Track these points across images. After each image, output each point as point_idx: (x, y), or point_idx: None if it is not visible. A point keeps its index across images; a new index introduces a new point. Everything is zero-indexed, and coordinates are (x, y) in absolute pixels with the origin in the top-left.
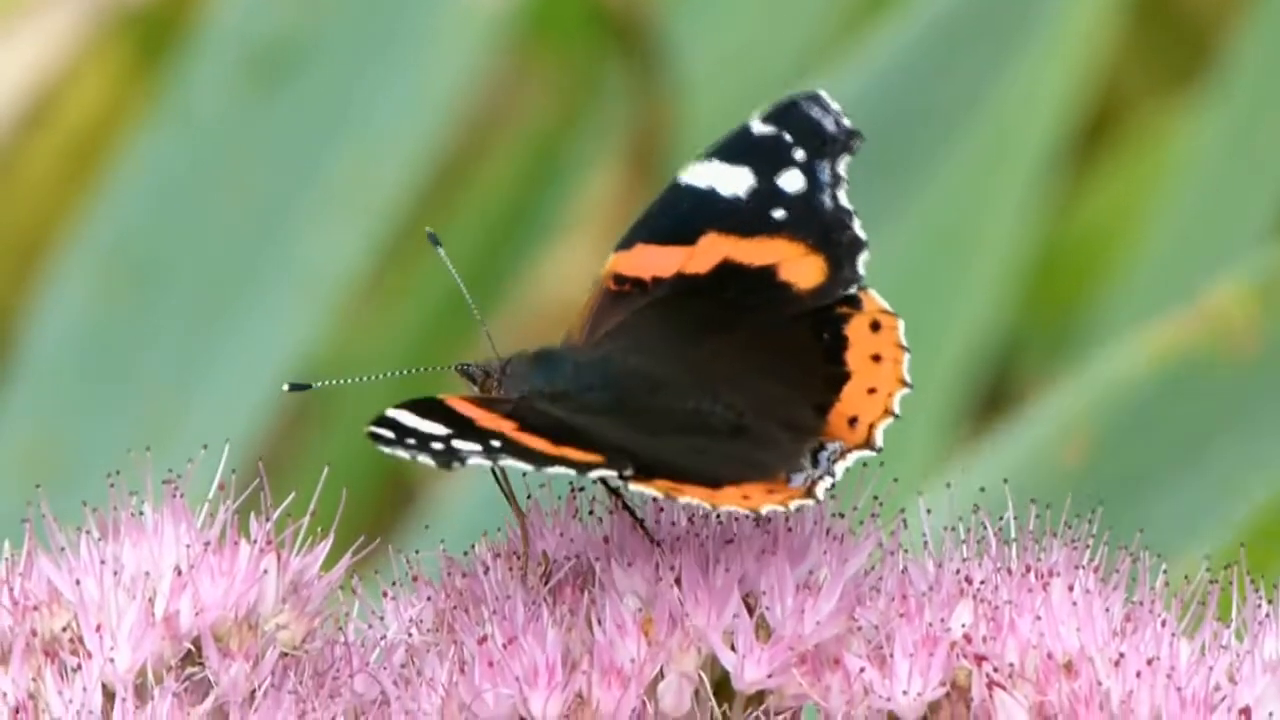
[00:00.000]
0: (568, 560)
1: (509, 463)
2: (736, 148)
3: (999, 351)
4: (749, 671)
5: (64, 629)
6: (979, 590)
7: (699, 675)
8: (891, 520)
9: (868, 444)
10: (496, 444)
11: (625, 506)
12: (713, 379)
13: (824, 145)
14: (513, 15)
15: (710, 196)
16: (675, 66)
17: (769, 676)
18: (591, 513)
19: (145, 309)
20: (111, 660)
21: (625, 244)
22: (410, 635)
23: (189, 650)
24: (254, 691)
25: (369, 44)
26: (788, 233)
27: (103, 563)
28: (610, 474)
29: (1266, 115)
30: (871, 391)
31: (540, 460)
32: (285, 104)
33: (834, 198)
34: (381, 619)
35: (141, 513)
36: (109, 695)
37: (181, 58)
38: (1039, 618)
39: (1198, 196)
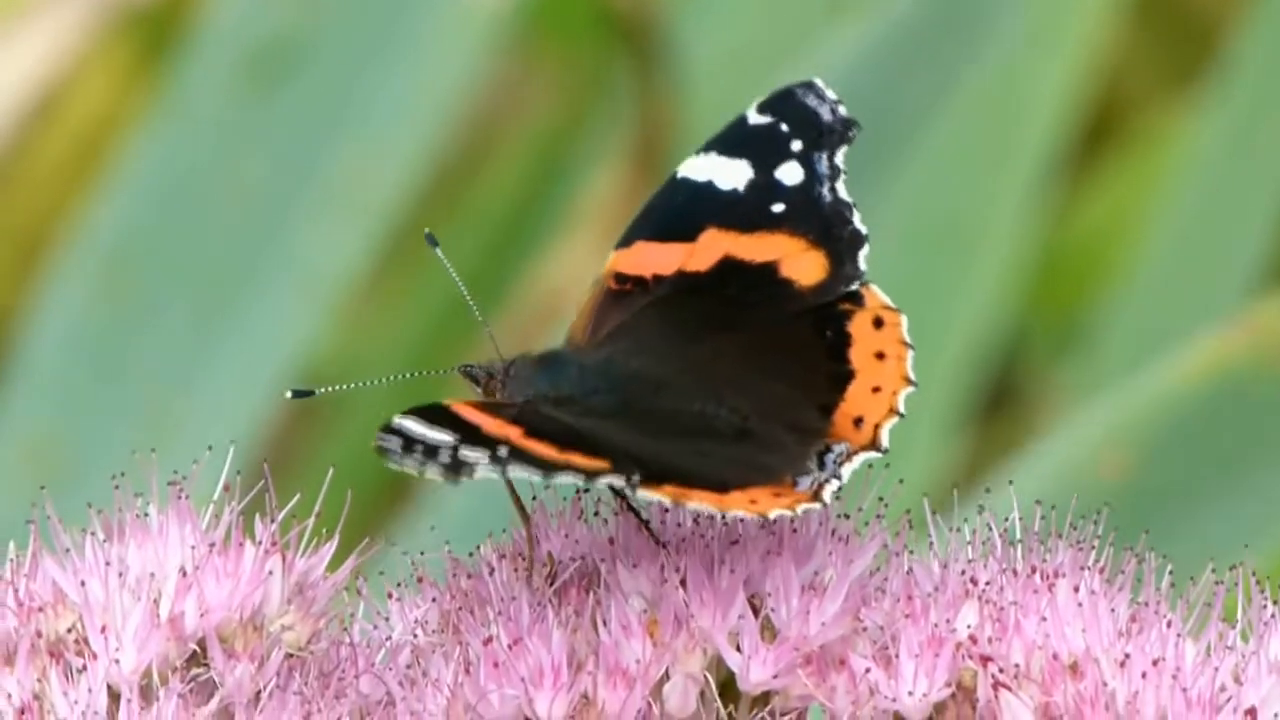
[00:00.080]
0: (573, 561)
1: (516, 472)
2: (734, 139)
3: (1002, 352)
4: (754, 672)
5: (69, 630)
6: (984, 591)
7: (704, 676)
8: (897, 522)
9: (873, 445)
10: (503, 452)
11: (630, 508)
12: (717, 380)
13: (821, 135)
14: (517, 15)
15: (709, 190)
16: (680, 66)
17: (774, 677)
18: (597, 514)
19: (146, 308)
20: (117, 661)
21: (625, 242)
22: (415, 636)
23: (194, 651)
24: (259, 692)
25: (368, 44)
26: (788, 227)
27: (108, 564)
28: (618, 480)
29: (1269, 116)
30: (876, 390)
31: (547, 468)
32: (284, 103)
33: (833, 191)
34: (387, 620)
35: (146, 514)
36: (114, 696)
37: (181, 57)
38: (1044, 619)
39: (1200, 197)
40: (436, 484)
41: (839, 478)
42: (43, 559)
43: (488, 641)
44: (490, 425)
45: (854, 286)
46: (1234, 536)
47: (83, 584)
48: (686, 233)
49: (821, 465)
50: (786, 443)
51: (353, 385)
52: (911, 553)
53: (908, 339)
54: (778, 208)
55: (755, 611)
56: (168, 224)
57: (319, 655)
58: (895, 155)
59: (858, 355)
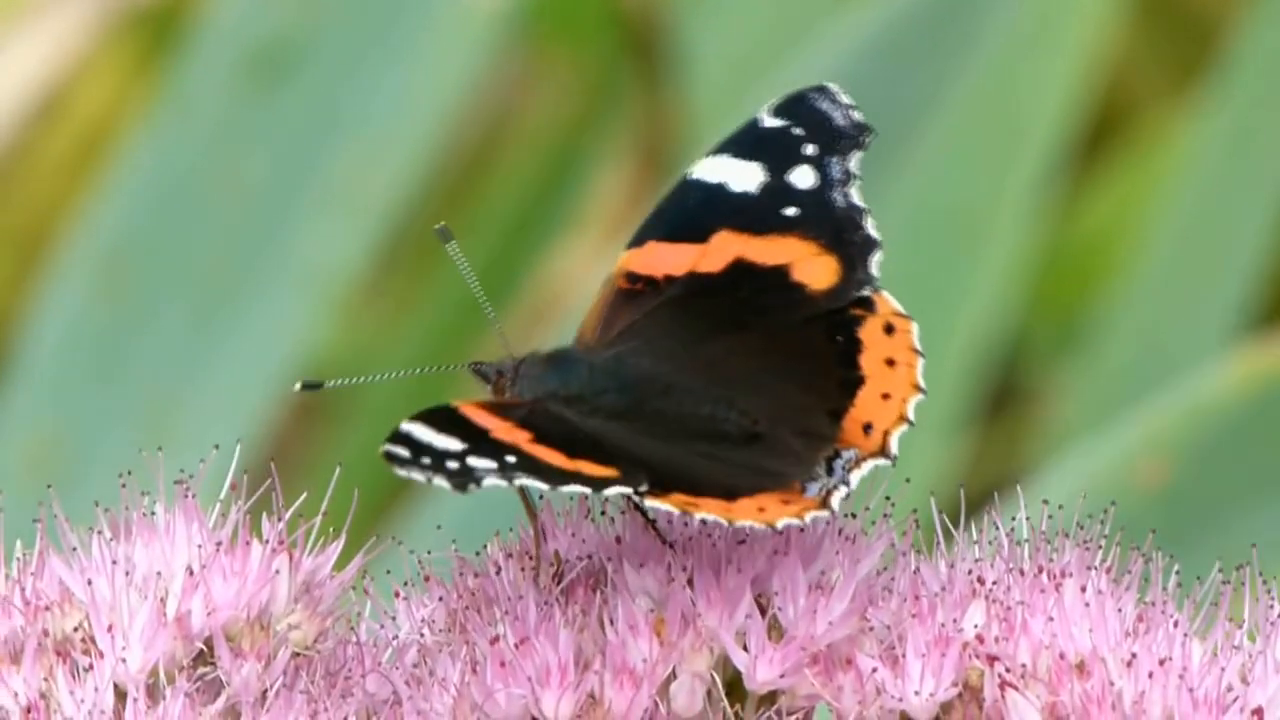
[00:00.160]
0: (580, 560)
1: (524, 481)
2: (746, 142)
3: (1006, 352)
4: (761, 671)
5: (76, 629)
6: (991, 591)
7: (711, 675)
8: (903, 521)
9: (882, 452)
10: (512, 460)
11: (637, 507)
12: (727, 383)
13: (834, 140)
14: (523, 16)
15: (721, 192)
16: (686, 67)
17: (781, 676)
18: (603, 513)
19: (146, 308)
20: (123, 660)
21: (637, 241)
22: (422, 635)
23: (201, 650)
24: (266, 691)
25: (368, 43)
26: (800, 231)
27: (114, 563)
28: (625, 490)
29: (1270, 115)
30: (886, 397)
31: (555, 477)
32: (284, 103)
33: (846, 195)
34: (394, 619)
35: (153, 513)
36: (121, 695)
37: (181, 57)
38: (1051, 618)
39: (1202, 197)
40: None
41: (847, 484)
42: (49, 558)
43: (494, 641)
44: (499, 429)
45: (865, 292)
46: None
47: (89, 583)
48: (698, 234)
49: (830, 471)
50: (795, 448)
51: (364, 379)
52: (919, 552)
53: (918, 346)
54: (790, 211)
55: (762, 611)
56: (168, 223)
57: (325, 654)
58: (896, 153)
59: (868, 361)
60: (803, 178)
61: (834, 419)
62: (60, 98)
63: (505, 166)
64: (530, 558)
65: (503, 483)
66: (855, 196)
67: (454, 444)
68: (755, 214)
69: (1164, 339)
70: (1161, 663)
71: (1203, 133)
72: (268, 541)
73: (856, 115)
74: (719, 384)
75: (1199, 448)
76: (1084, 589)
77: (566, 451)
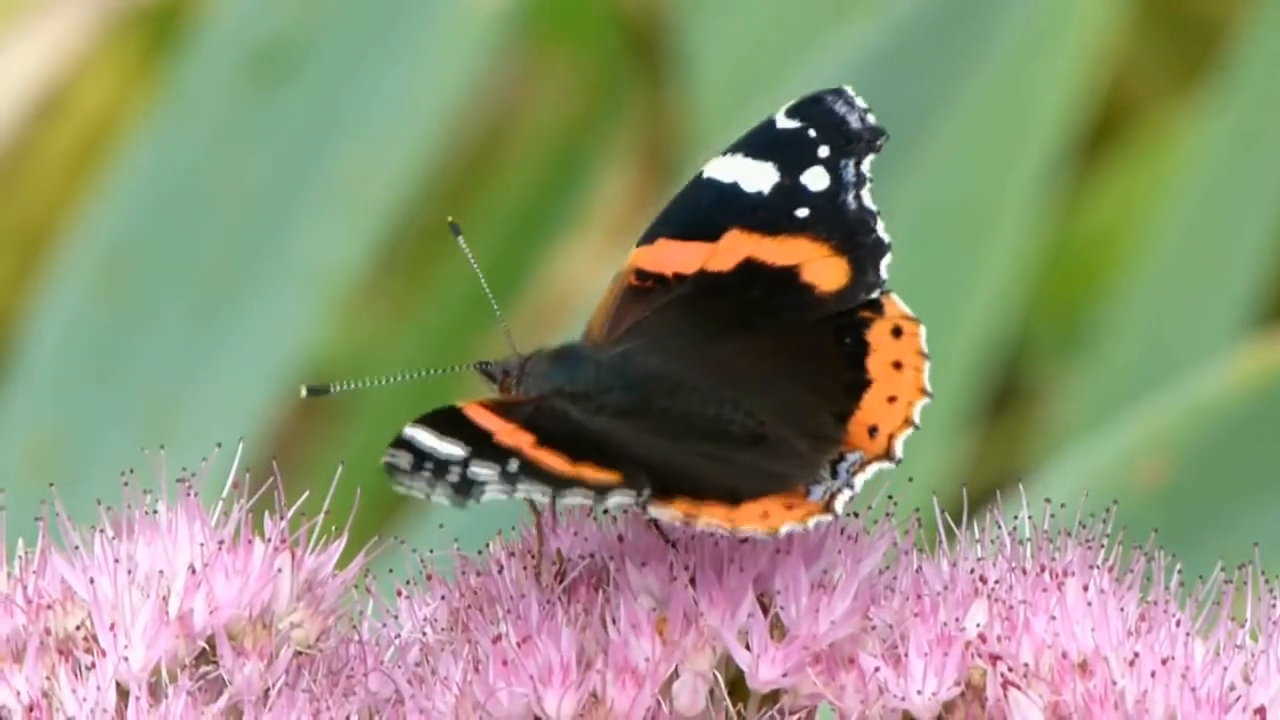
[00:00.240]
0: (582, 559)
1: (526, 489)
2: (761, 142)
3: (1008, 351)
4: (764, 671)
5: (78, 627)
6: (994, 590)
7: (714, 674)
8: (906, 520)
9: (887, 455)
10: (514, 467)
11: (640, 508)
12: (733, 383)
13: (849, 143)
14: (526, 16)
15: (734, 192)
16: (688, 68)
17: (784, 676)
18: (606, 511)
19: (146, 307)
20: (125, 659)
21: (648, 238)
22: (424, 634)
23: (203, 649)
24: (268, 690)
25: (369, 43)
26: (811, 233)
27: (116, 561)
28: (627, 497)
29: (1273, 114)
30: (892, 400)
31: (557, 484)
32: (285, 102)
33: (858, 198)
34: (396, 617)
35: (155, 511)
36: (123, 694)
37: (182, 56)
38: (1054, 617)
39: (1205, 196)
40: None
41: (851, 487)
42: (51, 556)
43: (497, 639)
44: (503, 432)
45: (874, 295)
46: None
47: (91, 581)
48: (710, 233)
49: (834, 474)
50: (800, 449)
51: (367, 382)
52: (921, 551)
53: (925, 350)
54: (802, 212)
55: (764, 610)
56: (169, 222)
57: (328, 653)
58: (904, 155)
59: (875, 364)
60: (816, 179)
61: (840, 421)
62: (61, 97)
63: (507, 167)
64: (532, 556)
65: (504, 495)
66: (868, 199)
67: (457, 450)
68: (767, 214)
69: (1167, 338)
70: (1164, 662)
71: (1206, 132)
72: (270, 540)
73: (871, 118)
74: (726, 384)
75: (1200, 446)
76: (1086, 588)
77: (570, 454)
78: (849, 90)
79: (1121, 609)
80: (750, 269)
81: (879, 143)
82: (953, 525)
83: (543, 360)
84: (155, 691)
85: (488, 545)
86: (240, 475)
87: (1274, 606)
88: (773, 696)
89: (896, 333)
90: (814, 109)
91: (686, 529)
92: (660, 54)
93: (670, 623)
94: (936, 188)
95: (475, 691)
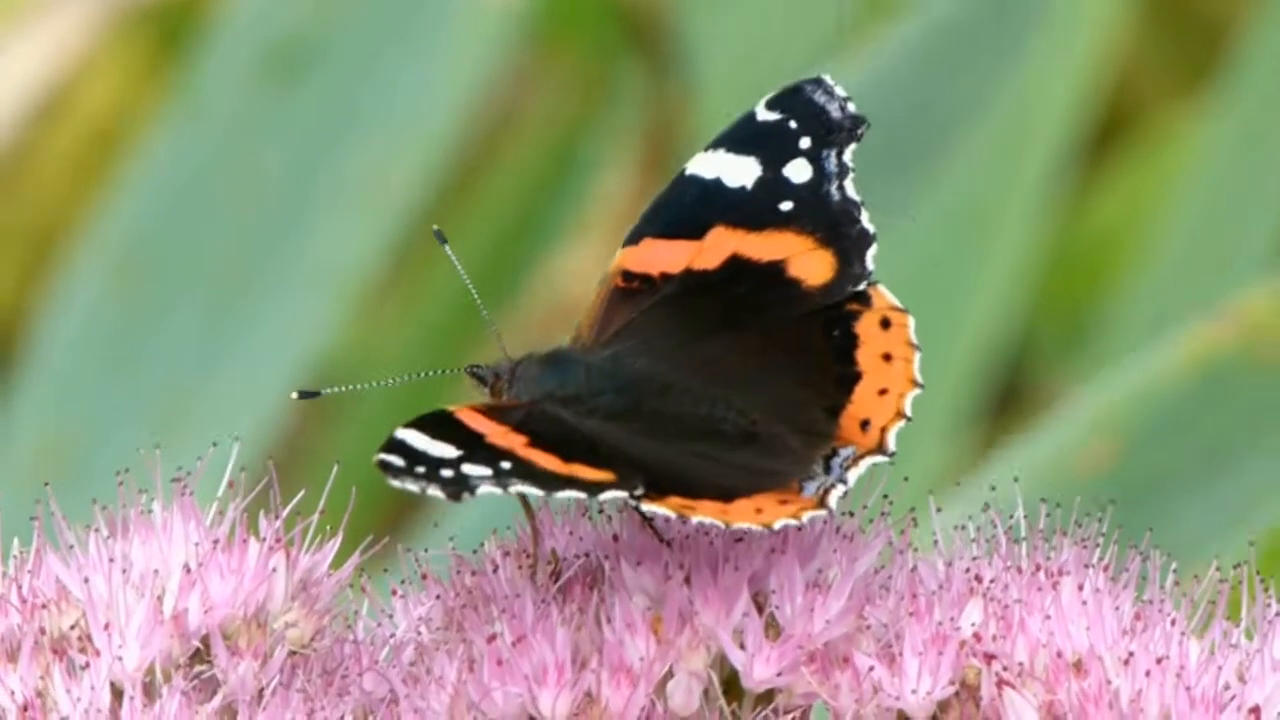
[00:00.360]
0: (577, 559)
1: (519, 488)
2: (742, 136)
3: (1012, 351)
4: (758, 670)
5: (72, 627)
6: (989, 589)
7: (708, 674)
8: (901, 519)
9: (880, 448)
10: (507, 466)
11: (634, 505)
12: (724, 381)
13: (830, 133)
14: (527, 13)
15: (717, 188)
16: (690, 65)
17: (778, 675)
18: (601, 511)
19: (159, 305)
20: (120, 658)
21: (633, 238)
22: (419, 633)
23: (197, 648)
24: (262, 690)
25: (382, 41)
26: (796, 226)
27: (111, 561)
28: (621, 495)
29: (1278, 115)
30: (883, 393)
31: (551, 483)
32: (299, 101)
33: (841, 189)
34: (390, 617)
35: (150, 511)
36: (117, 693)
37: (196, 54)
38: (1049, 617)
39: (1210, 196)
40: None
41: (845, 482)
42: (46, 555)
43: (491, 639)
44: (495, 433)
45: (862, 286)
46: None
47: (86, 581)
48: (694, 230)
49: (828, 469)
50: (793, 445)
51: (359, 386)
52: (916, 550)
53: (915, 340)
54: (786, 206)
55: (759, 609)
56: (182, 221)
57: (322, 652)
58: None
59: (865, 357)
60: (798, 171)
61: (831, 416)
62: (65, 96)
63: (509, 165)
64: (528, 556)
65: (498, 490)
66: (851, 190)
67: (449, 451)
68: (751, 209)
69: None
70: (1159, 661)
71: (1211, 132)
72: (265, 539)
73: (851, 107)
74: (716, 383)
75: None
76: (1081, 587)
77: (562, 455)
78: (828, 79)
79: (1117, 608)
80: (736, 265)
81: (860, 131)
82: (938, 523)
83: (533, 364)
84: (150, 691)
85: (483, 545)
86: (240, 475)
87: (1269, 606)
88: (767, 696)
89: (885, 324)
90: (794, 100)
91: (681, 527)
92: (660, 53)
93: (665, 622)
94: (945, 189)
95: (470, 691)
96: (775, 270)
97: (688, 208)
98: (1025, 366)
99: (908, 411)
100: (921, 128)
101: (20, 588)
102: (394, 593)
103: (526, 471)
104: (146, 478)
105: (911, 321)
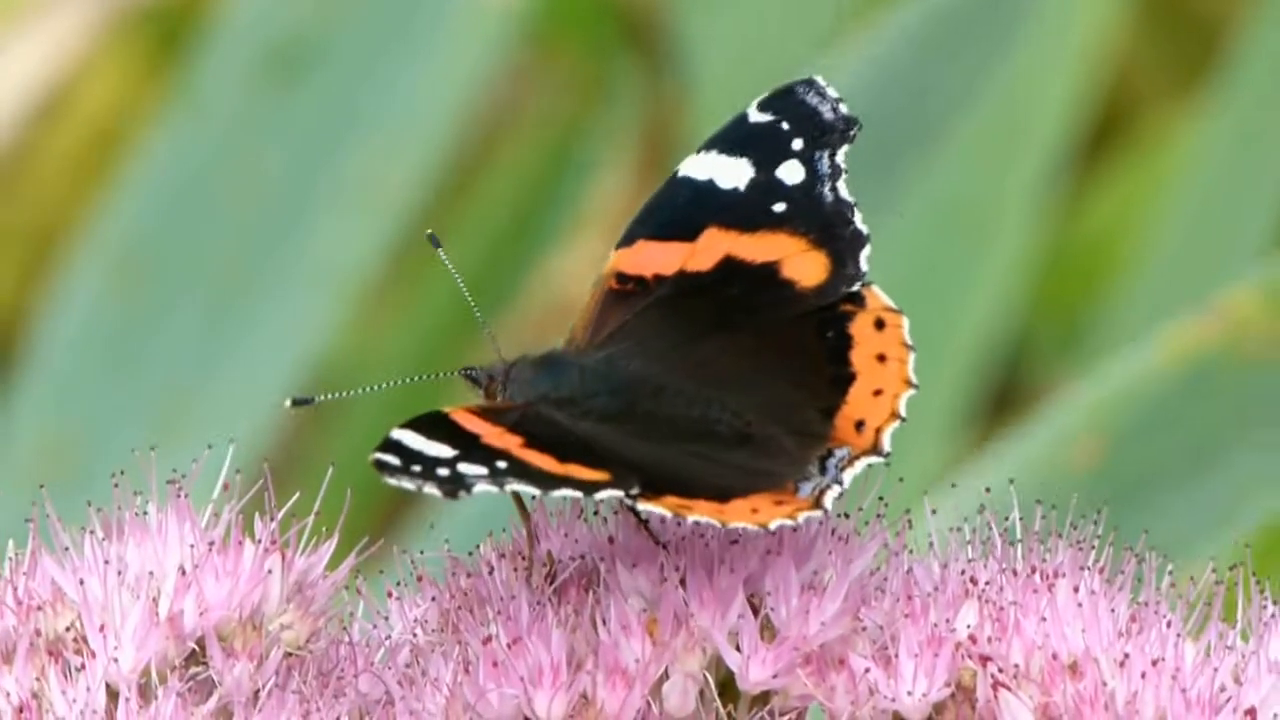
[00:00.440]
0: (573, 560)
1: (515, 486)
2: (734, 137)
3: (1008, 351)
4: (754, 672)
5: (68, 629)
6: (984, 591)
7: (704, 675)
8: (897, 521)
9: (875, 449)
10: (502, 465)
11: (630, 507)
12: (718, 383)
13: (822, 134)
14: (525, 13)
15: (710, 189)
16: (687, 66)
17: (774, 677)
18: (596, 513)
19: (158, 307)
20: (115, 660)
21: (627, 240)
22: (415, 635)
23: (193, 650)
24: (258, 691)
25: (381, 41)
26: (789, 227)
27: (106, 562)
28: (617, 494)
29: (1274, 115)
30: (877, 393)
31: (546, 482)
32: (298, 101)
33: (834, 190)
34: (386, 619)
35: (146, 513)
36: (113, 695)
37: (196, 55)
38: (1044, 618)
39: (1206, 197)
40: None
41: (840, 483)
42: (42, 557)
43: (487, 641)
44: (490, 434)
45: (855, 287)
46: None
47: (81, 582)
48: (688, 232)
49: (823, 470)
50: (788, 447)
51: (353, 392)
52: (911, 552)
53: (909, 341)
54: (779, 207)
55: (755, 611)
56: (181, 221)
57: (318, 654)
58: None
59: (859, 357)
60: (791, 173)
61: (826, 416)
62: (65, 96)
63: (506, 165)
64: (523, 558)
65: (494, 489)
66: (844, 191)
67: (444, 451)
68: (744, 210)
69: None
70: (1154, 663)
71: (1207, 132)
72: (260, 541)
73: (843, 108)
74: (710, 384)
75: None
76: (1077, 589)
77: (558, 456)
78: (820, 80)
79: (1112, 610)
80: (730, 267)
81: (852, 133)
82: (943, 527)
83: (527, 366)
84: (145, 693)
85: (478, 547)
86: (234, 477)
87: (1265, 608)
88: (763, 697)
89: (879, 325)
90: (786, 101)
91: (677, 531)
92: (658, 52)
93: (660, 624)
94: (940, 188)
95: (465, 693)
96: (769, 272)
97: (681, 209)
98: (1021, 367)
99: (902, 412)
100: (909, 122)
101: (16, 589)
102: (389, 594)
103: (522, 471)
104: (143, 479)
105: (906, 322)
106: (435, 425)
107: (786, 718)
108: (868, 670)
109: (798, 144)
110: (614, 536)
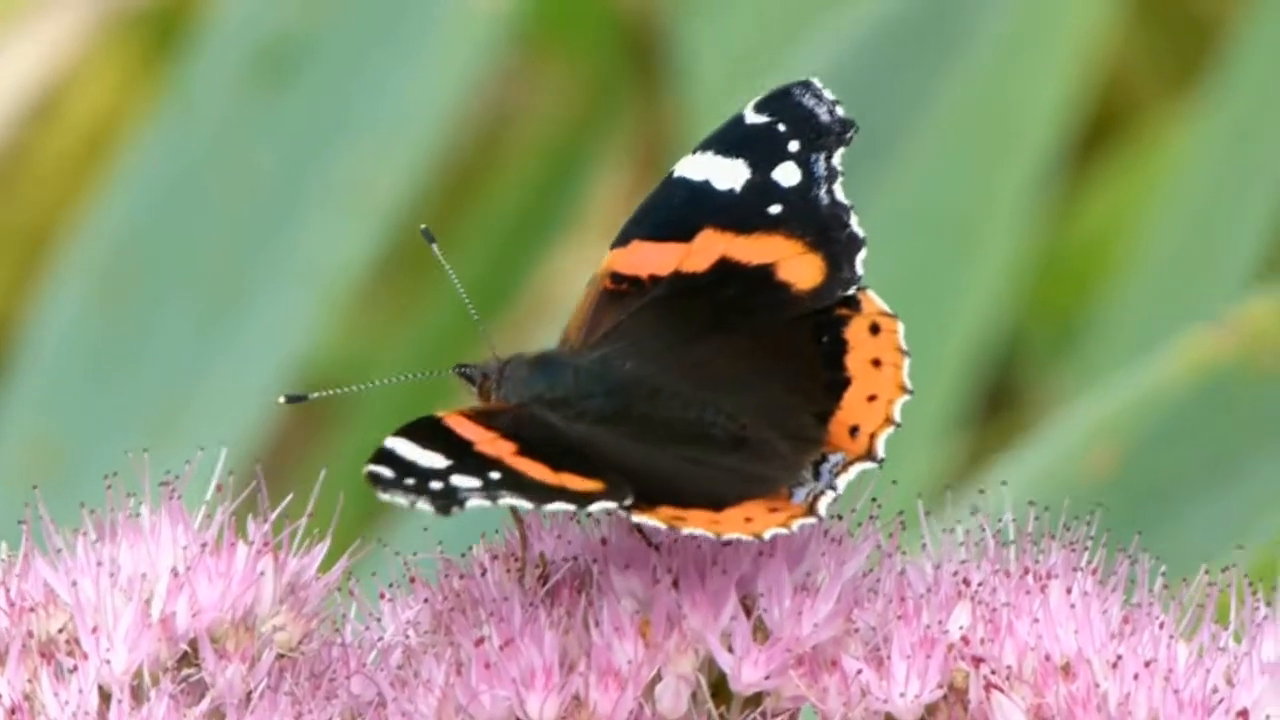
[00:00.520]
0: (565, 562)
1: (508, 501)
2: (731, 139)
3: (1001, 355)
4: (746, 673)
5: (60, 630)
6: (977, 592)
7: (696, 677)
8: (890, 523)
9: (869, 455)
10: (496, 477)
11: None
12: (713, 385)
13: (819, 136)
14: (523, 19)
15: (706, 190)
16: (685, 69)
17: (766, 678)
18: (589, 514)
19: (148, 309)
20: (108, 662)
21: (622, 240)
22: (407, 637)
23: (185, 652)
24: (250, 693)
25: (371, 43)
26: (785, 230)
27: (99, 564)
28: (610, 506)
29: (1268, 117)
30: (872, 399)
31: (540, 494)
32: (288, 103)
33: (830, 193)
34: (379, 620)
35: (139, 514)
36: (105, 697)
37: (186, 56)
38: (1037, 620)
39: (1199, 198)
40: None
41: (834, 488)
42: (34, 559)
43: (479, 642)
44: (483, 441)
45: (851, 291)
46: (1218, 534)
47: (74, 584)
48: (683, 233)
49: (817, 475)
50: (783, 451)
51: (349, 390)
52: (904, 553)
53: (904, 346)
54: (775, 209)
55: (748, 612)
56: (170, 224)
57: (310, 656)
58: (891, 153)
59: (854, 362)
60: (787, 175)
61: (821, 421)
62: (59, 98)
63: (504, 169)
64: (516, 559)
65: (487, 503)
66: (840, 194)
67: (438, 461)
68: (740, 212)
69: (1160, 341)
70: (1147, 664)
71: (1200, 134)
72: (253, 543)
73: (840, 110)
74: (705, 387)
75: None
76: (1070, 590)
77: (552, 463)
78: (816, 83)
79: (1105, 611)
80: (725, 268)
81: (849, 135)
82: (936, 528)
83: (522, 366)
84: (137, 694)
85: (471, 548)
86: (226, 479)
87: (1257, 609)
88: (755, 699)
89: (874, 329)
90: (782, 103)
91: (670, 532)
92: (656, 56)
93: (653, 625)
94: (924, 188)
95: (458, 694)
96: (764, 274)
97: (676, 210)
98: (1015, 370)
99: (897, 418)
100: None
101: (8, 591)
102: (382, 596)
103: (515, 482)
104: (135, 481)
105: (901, 327)
106: (428, 432)
107: (779, 719)
108: (860, 672)
109: (794, 146)
110: (607, 538)
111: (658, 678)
